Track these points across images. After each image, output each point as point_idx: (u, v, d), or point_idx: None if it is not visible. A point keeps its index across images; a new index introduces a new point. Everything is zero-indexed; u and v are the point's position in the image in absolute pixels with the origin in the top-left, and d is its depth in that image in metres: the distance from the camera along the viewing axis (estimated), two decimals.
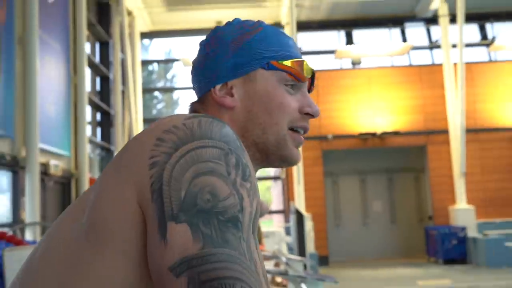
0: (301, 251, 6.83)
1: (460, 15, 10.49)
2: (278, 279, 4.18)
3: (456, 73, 11.14)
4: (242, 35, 0.80)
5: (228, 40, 0.80)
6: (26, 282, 0.68)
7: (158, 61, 14.66)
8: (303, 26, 11.98)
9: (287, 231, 9.49)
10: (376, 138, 11.63)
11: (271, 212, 12.27)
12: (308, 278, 3.04)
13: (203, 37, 0.85)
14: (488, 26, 12.67)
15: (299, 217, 7.31)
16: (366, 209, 12.63)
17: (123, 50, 10.75)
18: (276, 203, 13.27)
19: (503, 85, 11.73)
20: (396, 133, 11.57)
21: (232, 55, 0.79)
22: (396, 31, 12.71)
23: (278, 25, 12.30)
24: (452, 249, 10.43)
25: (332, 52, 12.20)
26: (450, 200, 11.50)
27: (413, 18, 12.56)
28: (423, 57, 12.73)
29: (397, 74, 11.99)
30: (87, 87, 8.74)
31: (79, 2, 8.47)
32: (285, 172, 11.67)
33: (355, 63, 12.43)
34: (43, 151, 6.73)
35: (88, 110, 8.89)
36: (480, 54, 12.63)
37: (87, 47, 8.83)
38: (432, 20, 12.24)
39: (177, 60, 13.39)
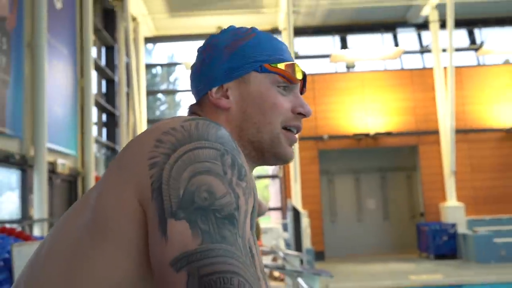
0: (298, 247, 6.90)
1: (450, 21, 10.55)
2: (276, 273, 4.31)
3: (446, 76, 11.16)
4: (236, 41, 0.81)
5: (223, 46, 0.81)
6: (32, 276, 0.69)
7: (161, 65, 14.59)
8: (299, 31, 12.00)
9: (285, 228, 9.52)
10: (369, 138, 11.63)
11: (269, 209, 12.24)
12: (305, 272, 3.13)
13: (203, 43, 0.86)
14: (476, 31, 12.67)
15: (296, 214, 7.36)
16: (360, 206, 12.55)
17: (128, 54, 10.77)
18: (273, 200, 13.06)
19: (491, 87, 11.72)
20: (388, 134, 11.57)
21: (227, 59, 0.80)
22: (389, 36, 12.69)
23: (275, 31, 12.29)
24: (443, 245, 10.42)
25: (327, 56, 12.21)
26: (441, 198, 11.50)
27: (404, 24, 12.58)
28: (414, 61, 12.81)
29: (390, 77, 11.98)
30: (93, 89, 8.76)
31: (86, 8, 8.46)
32: (282, 171, 11.62)
33: (349, 66, 12.43)
34: (50, 150, 6.74)
35: (94, 111, 8.93)
36: (469, 58, 12.57)
37: (93, 51, 8.84)
38: (423, 25, 12.27)
39: (179, 63, 13.36)
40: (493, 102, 11.78)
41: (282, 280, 4.35)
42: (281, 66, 0.81)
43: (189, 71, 0.86)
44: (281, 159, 0.82)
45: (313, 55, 12.85)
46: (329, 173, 12.48)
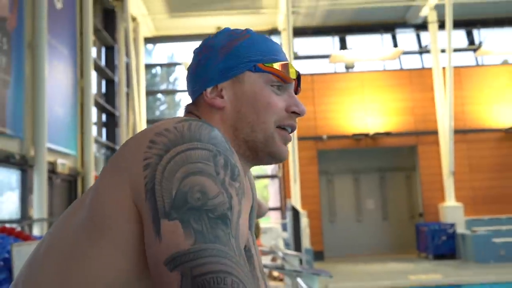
0: (297, 247, 6.85)
1: (449, 22, 10.55)
2: (275, 273, 4.31)
3: (445, 77, 11.16)
4: (231, 41, 0.82)
5: (218, 47, 0.82)
6: (30, 274, 0.70)
7: (161, 65, 14.57)
8: (299, 32, 12.03)
9: (284, 227, 9.52)
10: (368, 138, 11.64)
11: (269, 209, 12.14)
12: (304, 272, 3.09)
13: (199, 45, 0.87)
14: (475, 32, 12.67)
15: (295, 214, 7.29)
16: (359, 206, 12.55)
17: (127, 54, 10.80)
18: (273, 200, 13.10)
19: (489, 88, 11.74)
20: (387, 134, 11.57)
21: (221, 60, 0.81)
22: (388, 36, 12.70)
23: (275, 31, 12.32)
24: (442, 245, 10.43)
25: (327, 56, 12.22)
26: (440, 198, 11.51)
27: (403, 25, 12.59)
28: (413, 62, 12.73)
29: (389, 77, 11.99)
30: (93, 89, 8.75)
31: (86, 9, 8.47)
32: (281, 171, 11.64)
33: (348, 67, 12.42)
34: (50, 150, 6.75)
35: (94, 111, 8.92)
36: (467, 58, 12.55)
37: (93, 52, 8.85)
38: (422, 26, 12.29)
39: (179, 64, 13.37)
40: (492, 102, 11.79)
41: (281, 280, 4.35)
42: (275, 65, 0.81)
43: (186, 72, 0.88)
44: (276, 158, 0.82)
45: (313, 55, 12.85)
46: (328, 173, 12.49)
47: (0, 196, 6.11)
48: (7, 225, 3.88)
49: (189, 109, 0.84)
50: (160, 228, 0.59)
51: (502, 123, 11.72)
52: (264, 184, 15.40)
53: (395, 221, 12.49)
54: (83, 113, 8.36)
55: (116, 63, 10.75)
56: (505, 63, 12.70)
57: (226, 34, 0.84)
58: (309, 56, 12.82)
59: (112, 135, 10.66)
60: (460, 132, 11.46)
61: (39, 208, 6.26)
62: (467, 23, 12.44)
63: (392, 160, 12.62)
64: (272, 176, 12.96)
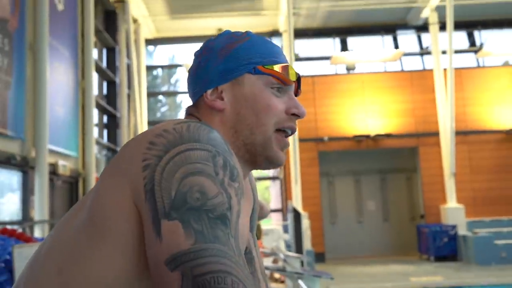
0: (298, 248, 6.85)
1: (450, 23, 10.56)
2: (276, 275, 4.34)
3: (446, 78, 11.16)
4: (231, 43, 0.82)
5: (218, 49, 0.82)
6: (32, 275, 0.70)
7: (162, 67, 14.62)
8: (300, 33, 12.05)
9: (285, 229, 9.50)
10: (369, 140, 11.65)
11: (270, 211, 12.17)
12: (305, 274, 3.11)
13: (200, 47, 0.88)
14: (476, 33, 12.70)
15: (297, 215, 7.31)
16: (360, 208, 12.57)
17: (129, 56, 10.84)
18: (274, 202, 13.15)
19: (490, 89, 11.76)
20: (388, 135, 11.60)
21: (221, 62, 0.81)
22: (389, 38, 12.74)
23: (276, 33, 12.35)
24: (443, 247, 10.43)
25: (327, 58, 12.25)
26: (441, 199, 11.51)
27: (404, 26, 12.62)
28: (414, 63, 12.76)
29: (390, 79, 12.02)
30: (95, 91, 8.79)
31: (87, 10, 8.52)
32: (283, 172, 11.66)
33: (349, 68, 12.45)
34: (52, 151, 6.76)
35: (95, 113, 8.93)
36: (468, 60, 12.59)
37: (94, 53, 8.88)
38: (423, 27, 12.31)
39: (180, 65, 13.39)
40: (493, 103, 11.82)
41: (282, 282, 4.37)
42: (275, 68, 0.81)
43: (187, 74, 0.88)
44: (273, 163, 0.82)
45: (314, 57, 12.90)
46: (329, 174, 12.51)
47: (1, 198, 6.16)
48: (8, 227, 3.89)
49: (189, 111, 0.84)
50: (160, 228, 0.59)
51: (503, 125, 11.73)
52: (265, 185, 15.44)
53: (396, 223, 12.51)
54: (84, 114, 8.37)
55: (117, 65, 10.80)
56: (506, 64, 12.72)
57: (226, 36, 0.84)
58: (310, 57, 12.87)
59: (113, 137, 10.69)
60: (461, 134, 11.47)
61: (40, 209, 6.27)
62: (468, 24, 12.46)
63: (393, 161, 12.62)
64: (273, 178, 12.99)
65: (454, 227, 10.65)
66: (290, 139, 0.81)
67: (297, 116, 0.82)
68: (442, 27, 11.53)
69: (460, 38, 12.62)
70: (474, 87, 11.85)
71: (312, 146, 11.62)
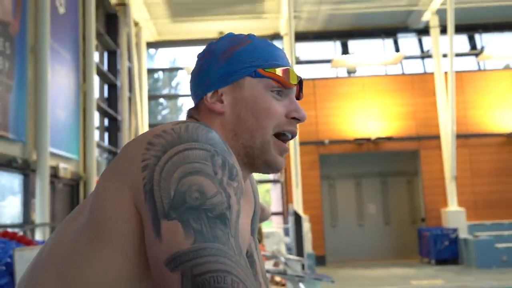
0: (299, 251, 6.74)
1: (450, 26, 10.60)
2: (277, 278, 4.20)
3: (447, 82, 11.18)
4: (233, 47, 0.82)
5: (219, 52, 0.82)
6: (33, 277, 0.71)
7: (163, 70, 14.60)
8: (301, 36, 12.07)
9: (286, 232, 9.51)
10: (370, 143, 11.68)
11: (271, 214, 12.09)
12: (306, 277, 3.05)
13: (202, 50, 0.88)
14: (477, 36, 12.72)
15: (297, 218, 7.19)
16: (361, 211, 12.59)
17: (130, 59, 10.86)
18: (275, 205, 13.15)
19: (491, 92, 11.77)
20: (389, 139, 11.61)
21: (222, 65, 0.81)
22: (389, 41, 12.76)
23: (277, 36, 12.38)
24: (444, 250, 10.45)
25: (328, 61, 12.26)
26: (442, 203, 11.52)
27: (405, 29, 12.66)
28: (415, 66, 12.67)
29: (390, 82, 12.04)
30: (96, 94, 8.78)
31: (89, 13, 8.52)
32: (283, 176, 11.65)
33: (350, 71, 12.48)
34: (53, 154, 6.76)
35: (96, 116, 8.93)
36: (469, 63, 12.62)
37: (95, 56, 8.86)
38: (424, 31, 12.34)
39: (181, 68, 13.39)
40: (494, 107, 11.83)
41: (283, 285, 4.32)
42: (275, 71, 0.81)
43: (189, 77, 0.89)
44: (271, 167, 0.82)
45: (314, 60, 12.93)
46: (330, 177, 12.56)
47: (2, 201, 6.12)
48: (9, 230, 3.88)
49: (190, 114, 0.85)
50: (160, 228, 0.59)
51: (504, 128, 11.74)
52: (266, 188, 15.43)
53: (397, 226, 12.54)
54: (86, 117, 8.37)
55: (118, 68, 10.80)
56: (507, 68, 12.74)
57: (228, 39, 0.84)
58: (311, 60, 12.91)
59: (114, 140, 10.68)
60: (462, 137, 11.49)
61: (41, 212, 6.27)
62: (469, 28, 12.49)
63: (394, 164, 12.67)
64: (274, 181, 13.01)
65: (455, 230, 10.66)
66: (291, 142, 0.81)
67: (297, 119, 0.82)
68: (443, 30, 11.54)
69: (461, 42, 12.63)
70: (475, 91, 11.86)
71: (313, 149, 11.64)
